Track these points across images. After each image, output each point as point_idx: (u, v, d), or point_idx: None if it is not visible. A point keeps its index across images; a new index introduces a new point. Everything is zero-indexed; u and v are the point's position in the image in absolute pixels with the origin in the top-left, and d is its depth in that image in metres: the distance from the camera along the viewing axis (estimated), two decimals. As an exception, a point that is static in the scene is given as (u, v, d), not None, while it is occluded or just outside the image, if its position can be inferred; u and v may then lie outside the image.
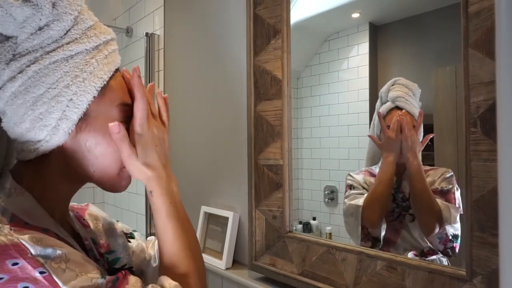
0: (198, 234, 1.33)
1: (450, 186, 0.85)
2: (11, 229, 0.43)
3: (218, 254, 1.23)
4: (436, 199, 0.85)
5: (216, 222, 1.29)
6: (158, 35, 1.66)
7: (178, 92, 1.56)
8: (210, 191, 1.37)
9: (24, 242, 0.41)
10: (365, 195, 0.97)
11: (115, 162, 0.54)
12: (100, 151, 0.52)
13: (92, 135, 0.51)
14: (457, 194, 0.83)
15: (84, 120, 0.51)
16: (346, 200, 1.01)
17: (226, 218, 1.22)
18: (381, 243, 0.93)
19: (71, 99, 0.49)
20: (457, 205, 0.82)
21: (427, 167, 0.90)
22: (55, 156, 0.52)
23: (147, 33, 1.66)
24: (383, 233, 0.94)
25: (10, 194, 0.49)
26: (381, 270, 0.80)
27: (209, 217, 1.33)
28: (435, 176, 0.87)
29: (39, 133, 0.48)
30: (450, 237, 0.82)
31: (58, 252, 0.42)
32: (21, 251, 0.40)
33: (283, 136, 1.01)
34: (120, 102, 0.53)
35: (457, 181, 0.84)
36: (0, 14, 0.45)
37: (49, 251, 0.41)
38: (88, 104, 0.50)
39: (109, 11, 2.00)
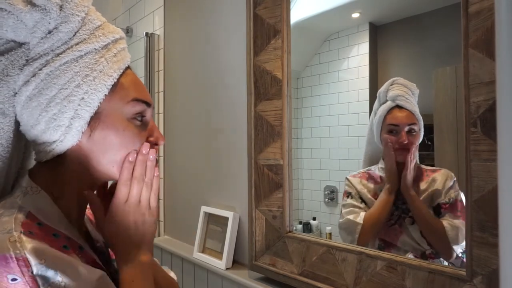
0: (198, 234, 1.33)
1: (456, 194, 0.84)
2: (21, 233, 0.43)
3: (218, 254, 1.23)
4: (444, 220, 0.84)
5: (216, 222, 1.29)
6: (158, 35, 1.66)
7: (178, 92, 1.56)
8: (210, 191, 1.36)
9: (29, 257, 0.41)
10: (361, 214, 0.97)
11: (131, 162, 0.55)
12: (115, 149, 0.53)
13: (105, 132, 0.52)
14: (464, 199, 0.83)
15: (97, 119, 0.52)
16: (343, 210, 1.01)
17: (226, 218, 1.22)
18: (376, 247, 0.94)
19: (82, 98, 0.50)
20: None
21: (429, 168, 0.89)
22: (71, 156, 0.53)
23: (147, 33, 1.66)
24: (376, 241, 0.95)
25: (26, 192, 0.50)
26: (381, 270, 0.80)
27: (209, 217, 1.33)
28: (440, 184, 0.87)
29: (54, 133, 0.50)
30: (460, 255, 0.81)
31: (58, 278, 0.42)
32: (24, 267, 0.40)
33: (283, 136, 1.01)
34: (131, 98, 0.54)
35: (457, 181, 0.84)
36: (12, 22, 0.46)
37: (50, 273, 0.42)
38: (100, 102, 0.51)
39: (109, 11, 2.00)
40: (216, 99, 1.34)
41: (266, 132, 1.05)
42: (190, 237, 1.41)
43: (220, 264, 1.18)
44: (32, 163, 0.57)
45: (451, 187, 0.85)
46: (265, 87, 1.05)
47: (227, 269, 1.17)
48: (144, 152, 0.55)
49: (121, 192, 0.55)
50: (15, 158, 0.53)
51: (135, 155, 0.54)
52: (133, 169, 0.55)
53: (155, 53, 1.67)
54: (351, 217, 0.97)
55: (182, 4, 1.53)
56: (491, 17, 0.64)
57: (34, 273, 0.41)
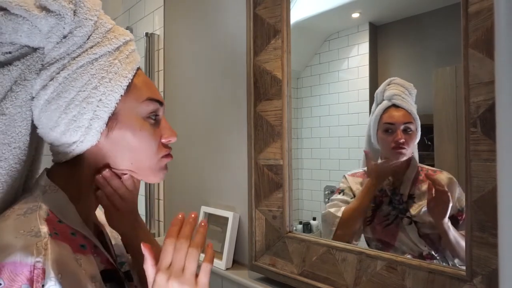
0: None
1: (464, 199, 0.84)
2: (49, 235, 0.45)
3: (218, 254, 1.23)
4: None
5: (216, 222, 1.29)
6: (158, 35, 1.66)
7: (178, 92, 1.56)
8: (210, 191, 1.36)
9: (48, 270, 0.42)
10: (343, 208, 0.98)
11: (148, 156, 0.57)
12: (132, 147, 0.55)
13: (123, 132, 0.54)
14: None
15: (114, 119, 0.53)
16: (329, 203, 1.02)
17: (226, 218, 1.22)
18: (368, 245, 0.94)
19: (100, 100, 0.51)
20: None
21: (430, 169, 0.89)
22: (90, 157, 0.55)
23: (147, 33, 1.66)
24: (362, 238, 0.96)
25: (45, 191, 0.52)
26: (381, 270, 0.80)
27: (209, 217, 1.33)
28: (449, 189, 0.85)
29: (74, 134, 0.51)
30: None
31: None
32: (39, 278, 0.41)
33: (283, 136, 1.01)
34: (145, 98, 0.56)
35: (458, 182, 0.84)
36: (27, 27, 0.47)
37: None
38: (116, 103, 0.53)
39: (109, 11, 1.99)
40: (216, 99, 1.34)
41: (266, 132, 1.05)
42: (190, 237, 1.41)
43: (220, 264, 1.18)
44: (40, 165, 0.59)
45: (458, 193, 0.83)
46: (265, 87, 1.05)
47: (227, 269, 1.17)
48: (193, 215, 0.52)
49: (165, 252, 0.50)
50: (27, 160, 0.55)
51: (180, 215, 0.52)
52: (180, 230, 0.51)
53: (155, 53, 1.67)
54: (332, 210, 0.99)
55: (182, 4, 1.53)
56: (490, 17, 0.64)
57: (45, 286, 0.41)
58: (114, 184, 0.58)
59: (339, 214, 0.97)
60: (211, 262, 0.51)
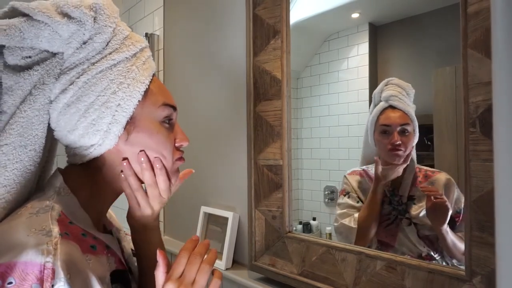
0: (198, 235, 1.33)
1: (463, 199, 0.83)
2: (60, 235, 0.45)
3: (218, 255, 1.23)
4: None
5: (216, 222, 1.29)
6: (158, 36, 1.66)
7: (177, 93, 1.56)
8: (210, 191, 1.37)
9: (58, 270, 0.42)
10: (355, 215, 0.96)
11: (163, 159, 0.58)
12: (150, 150, 0.57)
13: (140, 135, 0.56)
14: None
15: (132, 123, 0.55)
16: (338, 210, 1.01)
17: (226, 218, 1.22)
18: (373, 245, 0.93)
19: (119, 104, 0.52)
20: None
21: (429, 169, 0.89)
22: (107, 159, 0.56)
23: (146, 34, 1.66)
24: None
25: (59, 193, 0.53)
26: (380, 270, 0.80)
27: (209, 217, 1.33)
28: (442, 188, 0.85)
29: (93, 137, 0.53)
30: None
31: None
32: (49, 278, 0.42)
33: (282, 136, 1.01)
34: (161, 103, 0.58)
35: (457, 182, 0.83)
36: (48, 33, 0.48)
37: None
38: (134, 108, 0.54)
39: (109, 12, 2.00)
40: (216, 99, 1.34)
41: (266, 132, 1.05)
42: (190, 237, 1.41)
43: (220, 264, 1.18)
44: (52, 166, 0.60)
45: (456, 195, 0.83)
46: (264, 87, 1.05)
47: (227, 269, 1.18)
48: (206, 241, 0.57)
49: (177, 266, 0.54)
50: (41, 162, 0.55)
51: (194, 237, 0.58)
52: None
53: (155, 53, 1.67)
54: (345, 221, 0.98)
55: (182, 5, 1.53)
56: (489, 18, 0.64)
57: (55, 287, 0.42)
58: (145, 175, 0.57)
59: (353, 225, 0.96)
60: (221, 279, 0.55)
